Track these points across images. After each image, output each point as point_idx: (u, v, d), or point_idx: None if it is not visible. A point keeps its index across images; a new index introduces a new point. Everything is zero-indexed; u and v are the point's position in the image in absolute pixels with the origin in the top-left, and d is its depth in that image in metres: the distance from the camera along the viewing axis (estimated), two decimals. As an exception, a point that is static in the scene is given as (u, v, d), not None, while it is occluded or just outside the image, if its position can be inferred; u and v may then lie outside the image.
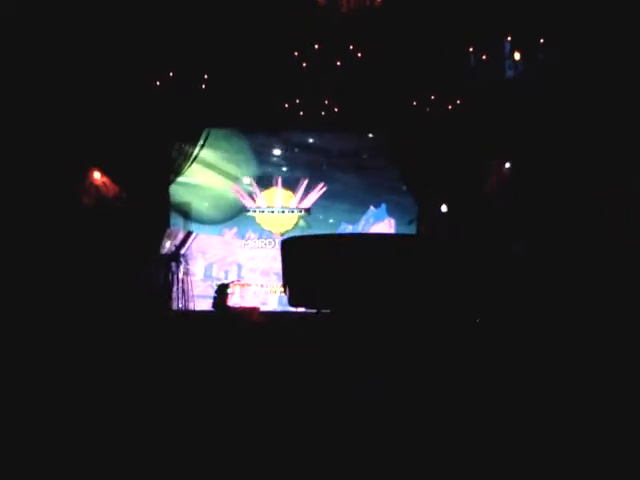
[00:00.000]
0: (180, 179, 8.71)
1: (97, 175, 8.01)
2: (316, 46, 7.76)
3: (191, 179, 8.86)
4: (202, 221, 8.93)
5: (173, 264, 8.10)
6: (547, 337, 5.45)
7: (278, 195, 8.97)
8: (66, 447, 3.03)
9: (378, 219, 8.87)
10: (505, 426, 3.29)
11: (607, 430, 3.23)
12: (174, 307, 8.09)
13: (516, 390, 3.85)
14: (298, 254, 4.00)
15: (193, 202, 8.92)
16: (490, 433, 3.20)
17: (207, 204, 8.94)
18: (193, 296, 8.17)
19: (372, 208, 8.88)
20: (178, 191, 8.80)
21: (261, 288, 8.88)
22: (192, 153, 8.48)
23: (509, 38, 7.32)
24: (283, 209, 8.95)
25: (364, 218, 8.89)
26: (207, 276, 8.86)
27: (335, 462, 2.87)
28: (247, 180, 8.96)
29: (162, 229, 8.14)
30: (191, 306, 8.12)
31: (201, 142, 8.52)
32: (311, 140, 8.94)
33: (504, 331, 5.55)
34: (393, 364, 4.09)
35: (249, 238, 8.96)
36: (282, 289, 4.55)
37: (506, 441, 3.10)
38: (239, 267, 8.94)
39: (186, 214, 8.86)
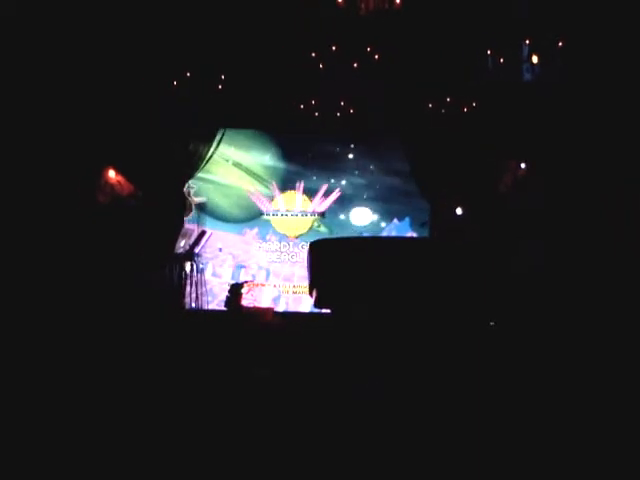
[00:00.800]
0: (204, 176, 8.78)
1: (112, 173, 8.01)
2: (333, 47, 7.74)
3: (216, 177, 8.92)
4: (225, 219, 8.96)
5: (187, 263, 8.11)
6: (560, 341, 5.45)
7: (297, 199, 8.99)
8: (71, 446, 3.03)
9: (400, 232, 8.79)
10: (509, 427, 3.27)
11: (619, 431, 3.22)
12: (187, 306, 8.10)
13: (529, 393, 3.84)
14: (328, 256, 4.00)
15: (214, 200, 8.95)
16: (494, 434, 3.19)
17: (230, 202, 8.97)
18: (207, 295, 8.19)
19: (395, 221, 8.87)
20: (201, 188, 8.88)
21: (274, 288, 8.88)
22: (207, 152, 8.46)
23: (527, 41, 7.31)
24: (297, 213, 8.97)
25: (386, 229, 8.85)
26: (235, 279, 8.79)
27: (335, 461, 2.87)
28: (269, 182, 8.99)
29: (177, 228, 8.14)
30: (205, 305, 8.13)
31: (216, 142, 8.52)
32: (338, 149, 8.99)
33: (518, 334, 5.55)
34: (413, 366, 4.10)
35: (270, 240, 8.97)
36: (308, 291, 4.53)
37: (509, 442, 3.09)
38: (267, 272, 8.94)
39: (206, 211, 8.90)
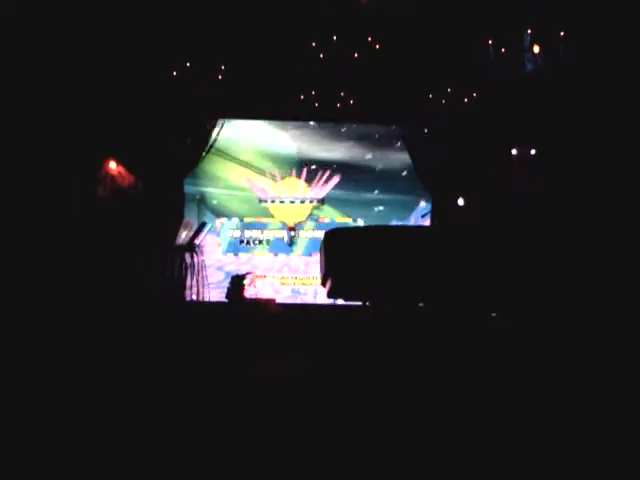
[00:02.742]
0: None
1: (113, 165, 7.95)
2: (334, 37, 7.71)
3: (218, 172, 8.92)
4: (227, 214, 8.97)
5: (187, 255, 8.08)
6: (564, 333, 5.46)
7: (298, 185, 8.96)
8: (70, 443, 3.01)
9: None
10: (517, 426, 3.26)
11: (621, 424, 3.23)
12: (187, 298, 8.07)
13: (533, 391, 3.82)
14: (343, 245, 3.99)
15: (221, 195, 8.96)
16: (499, 432, 3.17)
17: (230, 195, 8.98)
18: (208, 287, 8.16)
19: (423, 204, 8.83)
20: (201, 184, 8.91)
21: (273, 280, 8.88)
22: (207, 143, 8.44)
23: (529, 31, 7.33)
24: (296, 199, 8.94)
25: (413, 215, 8.83)
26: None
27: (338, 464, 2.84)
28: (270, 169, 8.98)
29: (177, 220, 8.11)
30: (206, 297, 8.11)
31: (216, 133, 8.48)
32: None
33: (521, 327, 5.55)
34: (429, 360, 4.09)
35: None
36: (321, 282, 4.51)
37: (513, 441, 3.07)
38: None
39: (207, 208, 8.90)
